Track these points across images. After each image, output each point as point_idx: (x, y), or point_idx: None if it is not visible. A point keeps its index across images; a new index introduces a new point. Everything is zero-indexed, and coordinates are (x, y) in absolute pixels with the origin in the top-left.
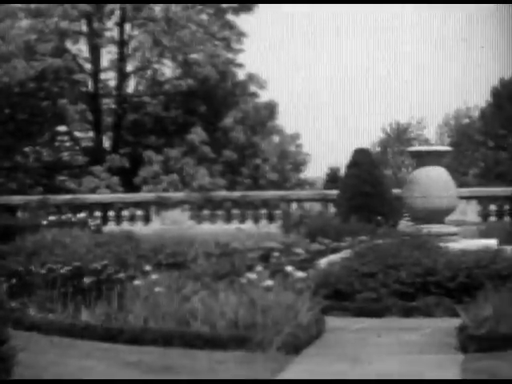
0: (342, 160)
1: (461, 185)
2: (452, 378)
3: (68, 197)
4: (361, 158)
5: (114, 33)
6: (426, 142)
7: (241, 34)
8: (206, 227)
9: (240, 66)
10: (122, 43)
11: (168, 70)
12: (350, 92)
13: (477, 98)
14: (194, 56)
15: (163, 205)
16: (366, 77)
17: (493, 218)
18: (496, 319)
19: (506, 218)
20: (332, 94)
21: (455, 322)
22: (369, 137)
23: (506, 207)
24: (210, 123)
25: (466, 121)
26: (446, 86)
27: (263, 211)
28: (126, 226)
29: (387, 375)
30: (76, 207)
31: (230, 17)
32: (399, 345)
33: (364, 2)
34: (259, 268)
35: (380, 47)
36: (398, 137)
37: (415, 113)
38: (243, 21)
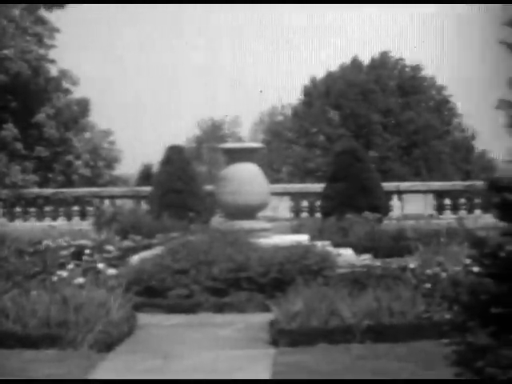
0: (157, 157)
1: (274, 181)
2: (263, 371)
3: None
4: (174, 155)
5: None
6: (240, 139)
7: (53, 30)
8: (19, 225)
9: (52, 61)
10: None
11: None
12: (167, 88)
13: (292, 95)
14: (5, 51)
15: None
16: (183, 73)
17: (305, 214)
18: (307, 314)
19: (318, 214)
20: (149, 91)
21: (267, 317)
22: (185, 133)
23: (318, 203)
24: (23, 119)
25: (280, 118)
26: (263, 83)
27: (76, 208)
28: None
29: (200, 370)
30: None
31: (43, 12)
32: (212, 340)
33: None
34: (71, 266)
35: (201, 44)
36: (213, 133)
37: (233, 109)
38: (57, 17)
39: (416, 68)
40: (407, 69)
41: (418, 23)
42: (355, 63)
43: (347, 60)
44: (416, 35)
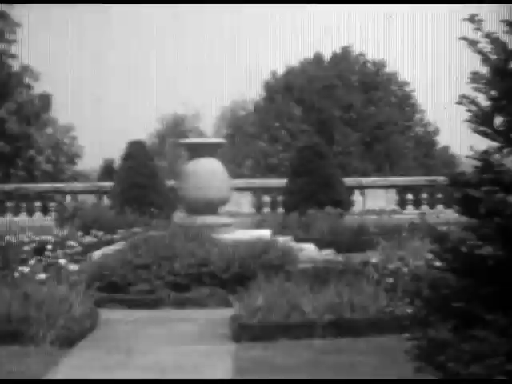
0: (119, 152)
1: (236, 176)
2: (225, 366)
3: None
4: (135, 150)
5: None
6: (201, 134)
7: (15, 25)
8: None
9: (13, 56)
10: None
11: None
12: (130, 84)
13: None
14: None
15: None
16: (145, 70)
17: (267, 209)
18: (268, 309)
19: (280, 209)
20: (110, 86)
21: (229, 312)
22: (146, 128)
23: (280, 198)
24: None
25: (242, 113)
26: (226, 80)
27: (38, 204)
28: None
29: (162, 366)
30: None
31: (4, 8)
32: (174, 336)
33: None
34: (33, 261)
35: (164, 37)
36: (174, 128)
37: (194, 104)
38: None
39: (379, 63)
40: (369, 64)
41: (384, 21)
42: (317, 58)
43: (308, 55)
44: (380, 32)
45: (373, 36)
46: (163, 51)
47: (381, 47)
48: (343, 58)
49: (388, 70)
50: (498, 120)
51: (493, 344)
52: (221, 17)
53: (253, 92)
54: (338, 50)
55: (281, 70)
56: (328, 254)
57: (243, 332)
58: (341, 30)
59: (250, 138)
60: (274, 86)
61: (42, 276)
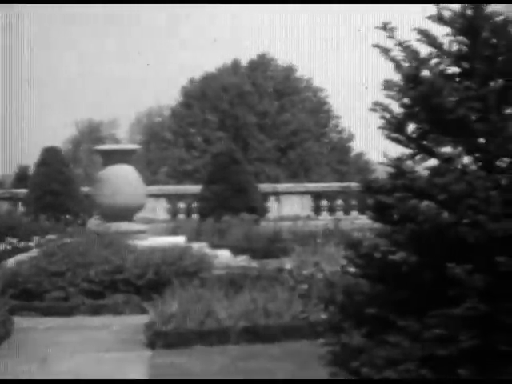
0: (33, 159)
1: (151, 183)
2: (139, 373)
3: None
4: (50, 157)
5: None
6: (117, 140)
7: None
8: None
9: None
10: None
11: None
12: (44, 89)
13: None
14: None
15: None
16: (59, 75)
17: (182, 216)
18: (183, 315)
19: (195, 216)
20: (24, 91)
21: (144, 319)
22: (62, 135)
23: (195, 205)
24: None
25: (158, 119)
26: (144, 86)
27: None
28: None
29: (76, 373)
30: None
31: None
32: (88, 343)
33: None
34: None
35: (77, 42)
36: (90, 135)
37: (111, 111)
38: None
39: (289, 69)
40: (280, 69)
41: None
42: (235, 65)
43: (225, 61)
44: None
45: (285, 39)
46: (79, 57)
47: (295, 53)
48: (259, 64)
49: (302, 75)
50: (411, 127)
51: (406, 349)
52: (141, 20)
53: (171, 98)
54: (255, 57)
55: (200, 77)
56: (243, 260)
57: (158, 339)
58: (259, 36)
59: (165, 144)
60: (191, 91)
61: None
